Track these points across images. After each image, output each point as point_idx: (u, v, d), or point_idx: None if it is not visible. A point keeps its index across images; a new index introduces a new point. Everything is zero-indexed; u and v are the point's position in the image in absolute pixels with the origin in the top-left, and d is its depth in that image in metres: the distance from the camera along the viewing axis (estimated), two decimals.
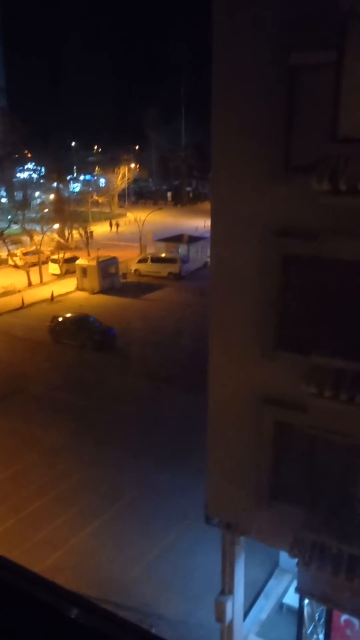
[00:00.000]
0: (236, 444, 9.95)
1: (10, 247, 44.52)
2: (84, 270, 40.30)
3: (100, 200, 72.09)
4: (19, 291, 39.80)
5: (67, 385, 25.06)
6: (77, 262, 41.84)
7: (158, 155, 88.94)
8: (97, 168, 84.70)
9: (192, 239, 47.14)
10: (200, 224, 56.01)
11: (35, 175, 76.85)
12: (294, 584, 10.81)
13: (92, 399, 23.66)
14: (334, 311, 8.40)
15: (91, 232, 54.07)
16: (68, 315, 31.68)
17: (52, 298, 38.31)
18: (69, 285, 41.31)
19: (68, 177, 72.87)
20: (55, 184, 61.72)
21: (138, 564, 14.69)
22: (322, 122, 7.44)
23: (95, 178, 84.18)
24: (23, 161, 74.19)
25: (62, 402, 23.22)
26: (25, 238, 46.32)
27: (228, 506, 10.26)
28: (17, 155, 60.24)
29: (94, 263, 40.13)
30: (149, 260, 44.52)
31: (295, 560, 9.00)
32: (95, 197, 69.31)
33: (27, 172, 79.42)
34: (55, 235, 48.42)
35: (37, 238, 43.57)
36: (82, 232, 50.27)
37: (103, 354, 28.56)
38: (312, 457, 9.13)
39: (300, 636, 11.31)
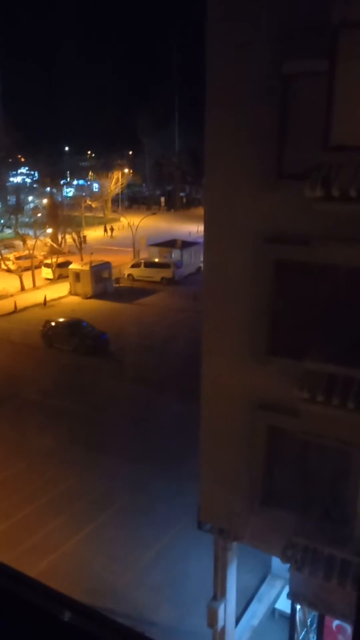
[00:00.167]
0: (229, 449, 9.95)
1: (3, 252, 44.38)
2: (77, 275, 40.23)
3: (93, 205, 72.15)
4: (12, 295, 39.65)
5: (59, 390, 24.96)
6: (70, 266, 41.76)
7: (152, 161, 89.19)
8: (90, 173, 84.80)
9: (186, 244, 47.24)
10: (193, 229, 56.17)
11: (28, 180, 76.84)
12: (286, 589, 10.80)
13: (84, 403, 23.56)
14: (326, 316, 8.46)
15: (84, 237, 54.03)
16: (61, 319, 31.59)
17: (45, 302, 38.21)
18: (61, 289, 41.22)
19: (61, 182, 72.82)
20: (48, 189, 61.74)
21: (130, 570, 14.62)
22: (315, 130, 7.50)
23: (89, 183, 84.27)
24: (16, 165, 74.22)
25: (54, 407, 23.12)
26: (18, 242, 46.19)
27: (220, 511, 10.25)
28: (10, 160, 60.23)
29: (87, 268, 40.08)
30: (142, 265, 44.52)
31: (287, 566, 9.00)
32: (88, 202, 69.39)
33: (20, 176, 79.41)
34: (48, 240, 48.36)
35: (30, 242, 43.49)
36: (75, 237, 50.23)
37: (96, 359, 28.48)
38: (305, 462, 9.15)
39: None
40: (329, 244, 7.82)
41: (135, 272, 44.23)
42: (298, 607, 11.05)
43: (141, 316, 35.56)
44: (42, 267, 44.67)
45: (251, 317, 9.06)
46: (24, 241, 44.04)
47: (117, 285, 42.51)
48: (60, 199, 61.50)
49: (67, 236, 51.47)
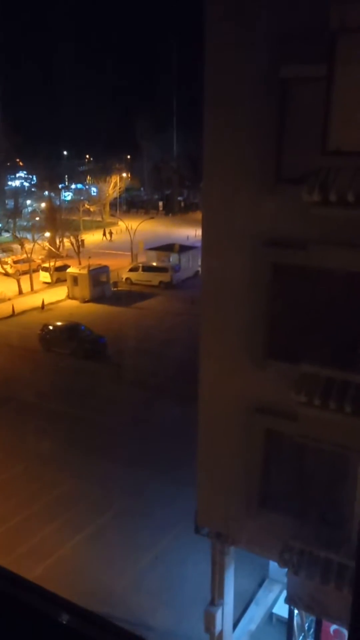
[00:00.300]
0: (226, 452, 9.95)
1: (1, 255, 44.34)
2: (75, 279, 40.23)
3: (91, 209, 72.10)
4: (10, 299, 39.64)
5: (56, 393, 24.92)
6: (68, 270, 41.76)
7: (150, 165, 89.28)
8: (88, 177, 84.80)
9: (184, 248, 47.27)
10: (191, 233, 56.20)
11: (26, 184, 76.82)
12: (284, 594, 10.78)
13: (82, 407, 23.53)
14: (323, 320, 8.47)
15: (82, 241, 54.01)
16: (59, 323, 31.57)
17: (43, 306, 38.18)
18: (59, 293, 41.21)
19: (60, 186, 72.82)
20: (46, 193, 61.72)
21: (127, 574, 14.57)
22: (313, 134, 7.54)
23: (87, 187, 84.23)
24: (15, 169, 74.23)
25: (52, 410, 23.08)
26: (16, 246, 46.19)
27: (218, 516, 10.24)
28: (8, 164, 60.25)
29: (85, 271, 40.08)
30: (140, 269, 44.55)
31: (285, 571, 8.99)
32: (86, 206, 69.33)
33: (18, 180, 79.41)
34: (47, 244, 48.35)
35: (28, 246, 43.46)
36: (74, 241, 50.23)
37: (93, 362, 28.46)
38: (302, 466, 9.16)
39: None
40: (326, 248, 7.85)
41: (133, 276, 44.25)
42: (296, 611, 11.02)
43: (139, 320, 35.55)
44: (40, 271, 44.66)
45: (249, 321, 9.07)
46: (22, 245, 44.03)
47: (115, 289, 42.51)
48: (58, 202, 61.49)
49: (65, 240, 51.48)
